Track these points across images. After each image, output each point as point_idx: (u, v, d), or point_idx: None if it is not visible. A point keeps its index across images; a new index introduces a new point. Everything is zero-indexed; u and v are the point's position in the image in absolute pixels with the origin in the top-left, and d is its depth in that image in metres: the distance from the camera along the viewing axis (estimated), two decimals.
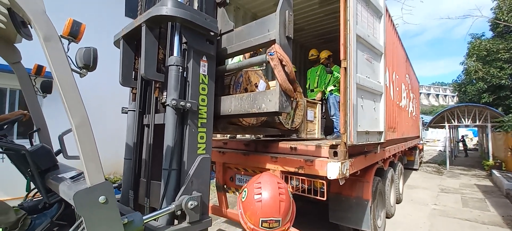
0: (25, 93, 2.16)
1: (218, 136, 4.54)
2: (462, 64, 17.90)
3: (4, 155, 1.93)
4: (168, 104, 1.60)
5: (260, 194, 1.23)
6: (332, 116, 4.78)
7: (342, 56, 2.60)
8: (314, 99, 4.49)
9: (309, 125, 3.85)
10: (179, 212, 1.50)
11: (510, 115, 8.60)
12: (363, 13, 2.99)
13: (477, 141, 20.21)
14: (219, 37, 2.13)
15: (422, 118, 17.49)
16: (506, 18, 13.73)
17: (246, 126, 2.56)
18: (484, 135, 15.67)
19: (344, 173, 2.42)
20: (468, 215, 5.12)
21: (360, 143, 2.74)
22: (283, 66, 1.69)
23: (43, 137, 2.16)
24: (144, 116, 1.94)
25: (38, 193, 2.01)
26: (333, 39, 6.64)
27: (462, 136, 19.97)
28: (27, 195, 2.04)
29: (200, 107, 1.73)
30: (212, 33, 1.79)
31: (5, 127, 2.00)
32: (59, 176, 1.68)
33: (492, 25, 16.22)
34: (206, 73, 1.80)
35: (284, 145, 3.04)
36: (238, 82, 2.35)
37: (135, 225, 1.29)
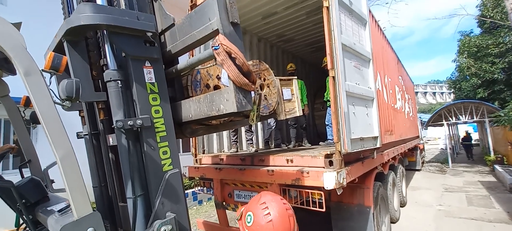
0: (15, 126, 2.15)
1: (215, 151, 4.50)
2: (454, 61, 18.16)
3: None
4: (114, 127, 1.41)
5: (269, 213, 1.21)
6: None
7: (329, 66, 2.64)
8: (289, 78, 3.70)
9: (287, 104, 3.37)
10: None
11: (506, 109, 8.61)
12: (347, 22, 3.05)
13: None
14: (162, 36, 1.86)
15: (421, 117, 17.30)
16: (492, 14, 14.04)
17: (217, 124, 2.28)
18: (483, 130, 15.64)
19: (341, 182, 2.40)
20: (473, 214, 5.04)
21: (355, 150, 2.73)
22: (233, 59, 1.44)
23: (34, 168, 2.13)
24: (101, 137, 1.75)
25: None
26: (323, 48, 6.78)
27: (467, 133, 16.75)
28: (17, 230, 2.00)
29: (155, 120, 1.52)
30: (149, 33, 1.53)
31: None
32: (49, 208, 1.65)
33: (479, 22, 16.55)
34: (153, 81, 1.56)
35: (280, 157, 3.02)
36: (196, 81, 2.01)
37: None
